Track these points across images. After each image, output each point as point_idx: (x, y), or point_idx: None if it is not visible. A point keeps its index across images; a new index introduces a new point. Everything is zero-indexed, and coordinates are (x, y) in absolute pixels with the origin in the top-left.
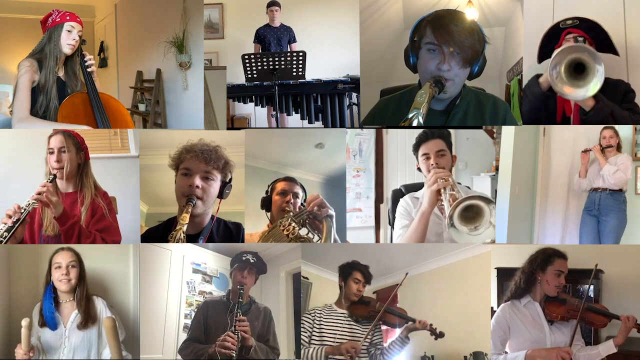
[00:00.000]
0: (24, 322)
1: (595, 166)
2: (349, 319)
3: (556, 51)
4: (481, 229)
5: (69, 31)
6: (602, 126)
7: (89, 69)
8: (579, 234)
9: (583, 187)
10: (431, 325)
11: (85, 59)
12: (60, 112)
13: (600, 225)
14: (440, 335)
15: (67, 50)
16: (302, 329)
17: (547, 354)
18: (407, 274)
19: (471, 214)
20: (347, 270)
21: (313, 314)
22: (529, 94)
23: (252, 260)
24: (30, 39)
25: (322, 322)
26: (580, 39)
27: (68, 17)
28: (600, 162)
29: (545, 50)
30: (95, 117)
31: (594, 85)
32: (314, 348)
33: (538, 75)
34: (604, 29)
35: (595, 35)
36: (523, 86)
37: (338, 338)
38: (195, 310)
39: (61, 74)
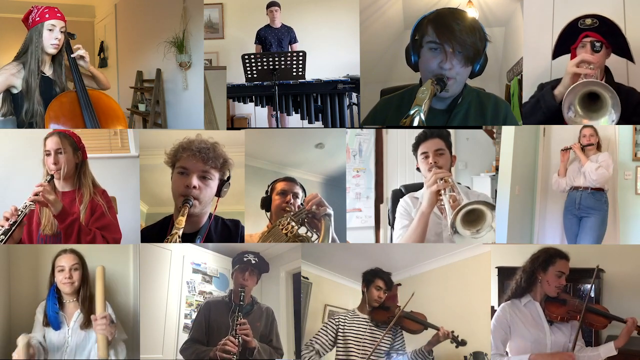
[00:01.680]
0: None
1: (575, 165)
2: (371, 323)
3: (567, 91)
4: (483, 232)
5: (50, 30)
6: (582, 125)
7: (79, 60)
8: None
9: (562, 187)
10: (452, 332)
11: (73, 54)
12: (48, 114)
13: (581, 222)
14: (462, 343)
15: (51, 50)
16: (322, 332)
17: (550, 359)
18: (413, 294)
19: (473, 217)
20: (370, 278)
21: (337, 320)
22: (543, 106)
23: (253, 261)
24: (21, 39)
25: (345, 328)
26: (598, 44)
27: (47, 15)
28: (581, 159)
29: (561, 48)
30: (83, 116)
31: (604, 121)
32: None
33: (553, 87)
34: (623, 33)
35: (614, 40)
36: (531, 92)
37: (361, 342)
38: (196, 310)
39: (50, 72)
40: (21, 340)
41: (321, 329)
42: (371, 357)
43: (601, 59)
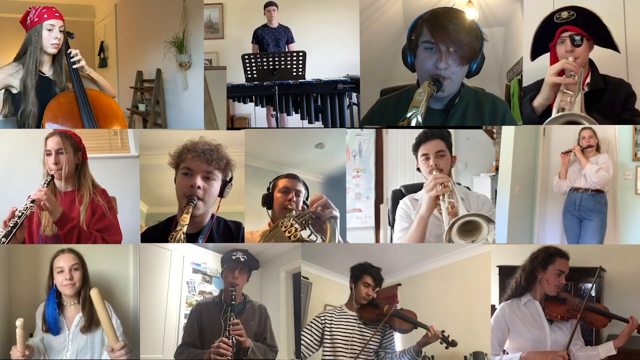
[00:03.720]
0: (18, 322)
1: (575, 166)
2: (359, 321)
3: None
4: (478, 243)
5: (49, 30)
6: (581, 127)
7: (74, 65)
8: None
9: (563, 189)
10: (443, 332)
11: (71, 56)
12: (46, 114)
13: (582, 225)
14: (452, 344)
15: (51, 50)
16: (307, 332)
17: (542, 357)
18: (399, 284)
19: (470, 227)
20: (357, 273)
21: (323, 318)
22: (524, 120)
23: (242, 259)
24: (20, 39)
25: (332, 325)
26: (578, 37)
27: (46, 16)
28: (581, 161)
29: (538, 47)
30: (81, 116)
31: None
32: None
33: (532, 98)
34: (603, 22)
35: (594, 31)
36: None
37: (349, 340)
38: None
39: (50, 73)
40: (18, 321)
41: (304, 329)
42: (360, 356)
43: (583, 53)
